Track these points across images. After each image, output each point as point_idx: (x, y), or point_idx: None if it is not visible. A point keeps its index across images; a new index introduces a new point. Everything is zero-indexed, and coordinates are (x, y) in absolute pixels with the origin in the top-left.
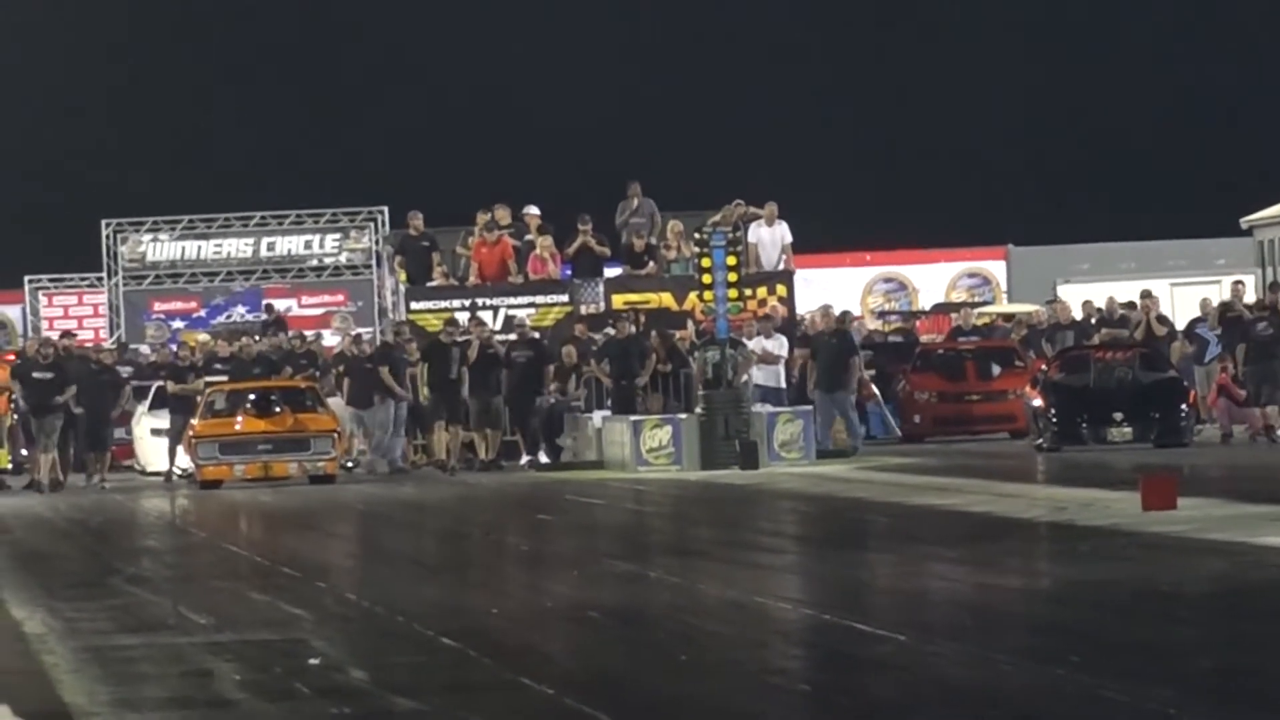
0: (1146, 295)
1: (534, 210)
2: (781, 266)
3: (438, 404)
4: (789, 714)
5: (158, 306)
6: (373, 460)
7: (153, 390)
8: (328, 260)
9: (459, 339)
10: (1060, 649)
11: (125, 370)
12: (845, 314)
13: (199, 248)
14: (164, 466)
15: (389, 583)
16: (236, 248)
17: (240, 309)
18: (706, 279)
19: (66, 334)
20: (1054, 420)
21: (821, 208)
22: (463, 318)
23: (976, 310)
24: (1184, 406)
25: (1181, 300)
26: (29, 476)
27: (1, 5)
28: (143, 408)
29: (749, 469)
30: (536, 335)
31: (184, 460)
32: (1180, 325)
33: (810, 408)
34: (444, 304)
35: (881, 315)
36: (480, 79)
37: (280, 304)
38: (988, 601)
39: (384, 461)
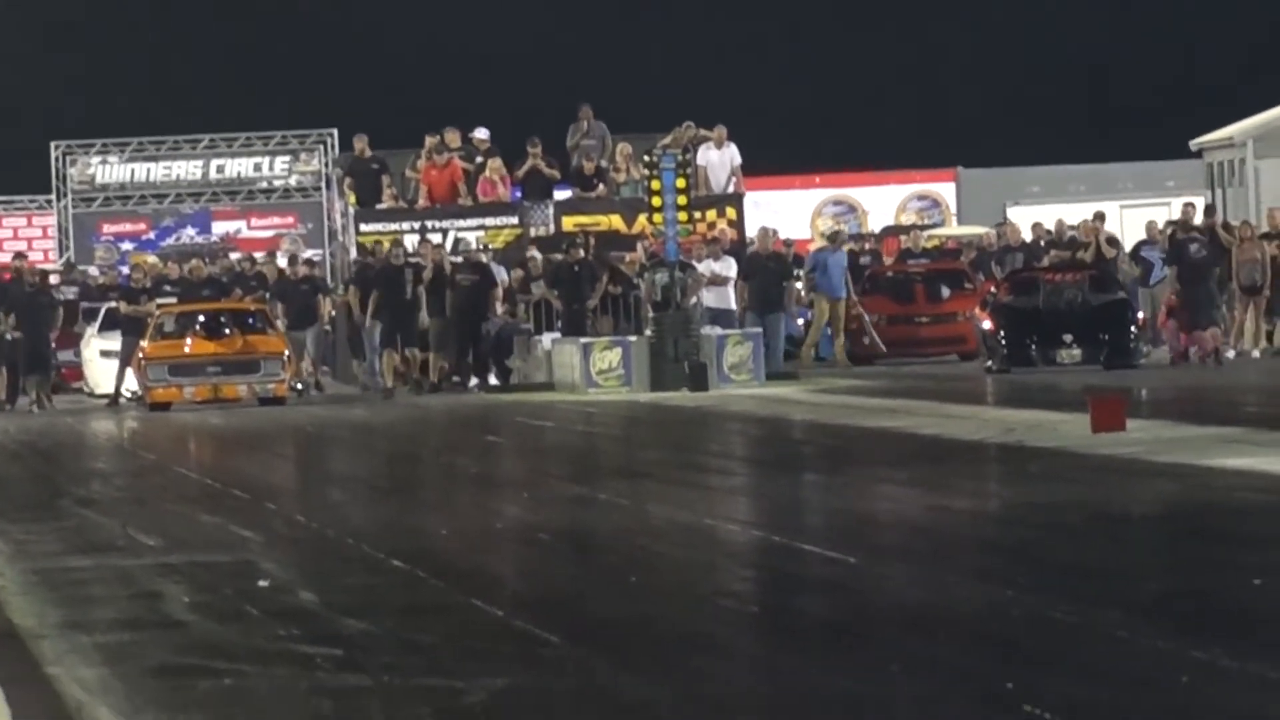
0: (1099, 217)
1: (482, 133)
2: (731, 189)
3: (391, 328)
4: (739, 635)
5: (107, 228)
6: (370, 380)
7: (102, 312)
8: (277, 183)
9: (410, 260)
10: (1009, 570)
11: (72, 291)
12: (837, 233)
13: (148, 170)
14: (113, 389)
15: (339, 505)
16: (186, 170)
17: (189, 231)
18: (656, 201)
19: (19, 255)
20: (1003, 342)
21: (771, 130)
22: (412, 240)
23: (926, 233)
24: (1133, 328)
25: (1131, 222)
26: None
27: None
28: (92, 330)
29: (698, 391)
30: (483, 259)
31: (133, 382)
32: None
33: (759, 330)
34: (394, 226)
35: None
36: (430, 1)
37: (230, 226)
38: (937, 523)
39: (376, 379)
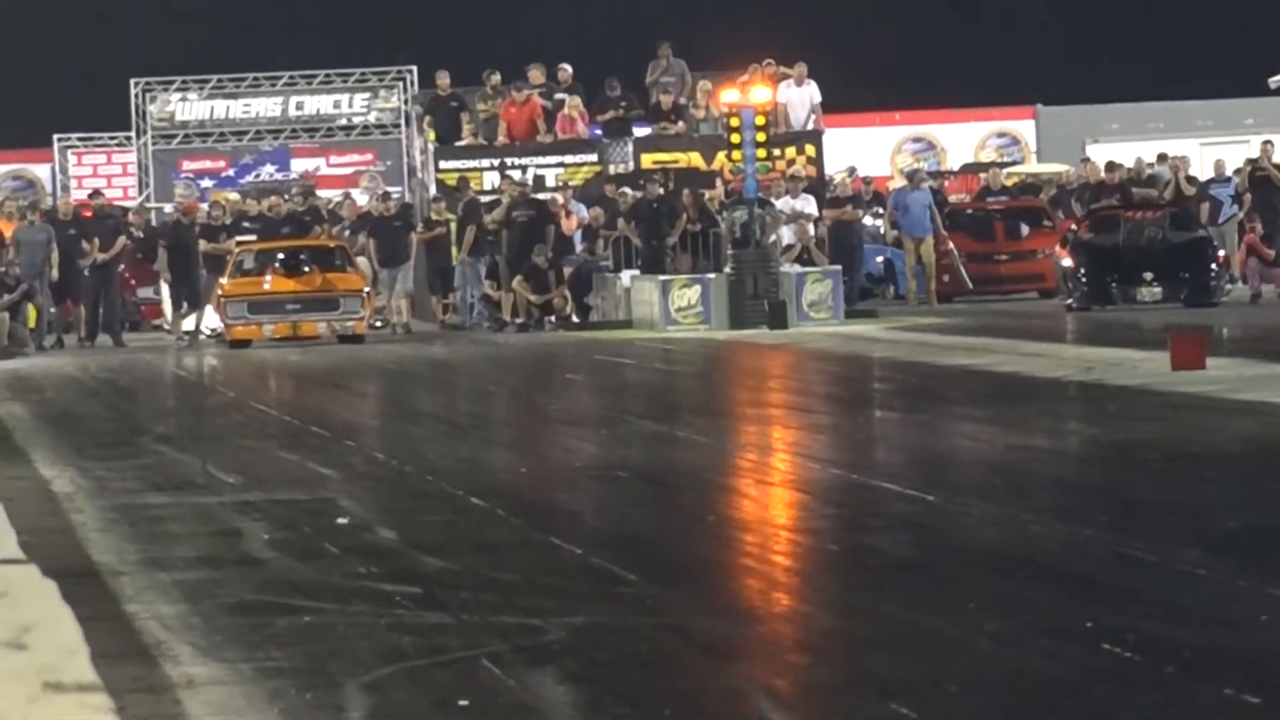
0: (1163, 158)
1: (566, 67)
2: (810, 126)
3: (515, 264)
4: (817, 573)
5: (186, 165)
6: (477, 318)
7: None
8: (356, 120)
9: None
10: (1088, 509)
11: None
12: (915, 172)
13: (227, 107)
14: (192, 325)
15: (417, 442)
16: (265, 107)
17: (269, 168)
18: (735, 139)
19: (95, 193)
20: (1083, 280)
21: (851, 67)
22: (492, 177)
23: (1005, 170)
24: (1214, 266)
25: (1210, 160)
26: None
27: None
28: None
29: (777, 328)
30: (539, 196)
31: (213, 319)
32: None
33: (839, 268)
34: (473, 163)
35: (910, 175)
36: None
37: (309, 163)
38: (1016, 461)
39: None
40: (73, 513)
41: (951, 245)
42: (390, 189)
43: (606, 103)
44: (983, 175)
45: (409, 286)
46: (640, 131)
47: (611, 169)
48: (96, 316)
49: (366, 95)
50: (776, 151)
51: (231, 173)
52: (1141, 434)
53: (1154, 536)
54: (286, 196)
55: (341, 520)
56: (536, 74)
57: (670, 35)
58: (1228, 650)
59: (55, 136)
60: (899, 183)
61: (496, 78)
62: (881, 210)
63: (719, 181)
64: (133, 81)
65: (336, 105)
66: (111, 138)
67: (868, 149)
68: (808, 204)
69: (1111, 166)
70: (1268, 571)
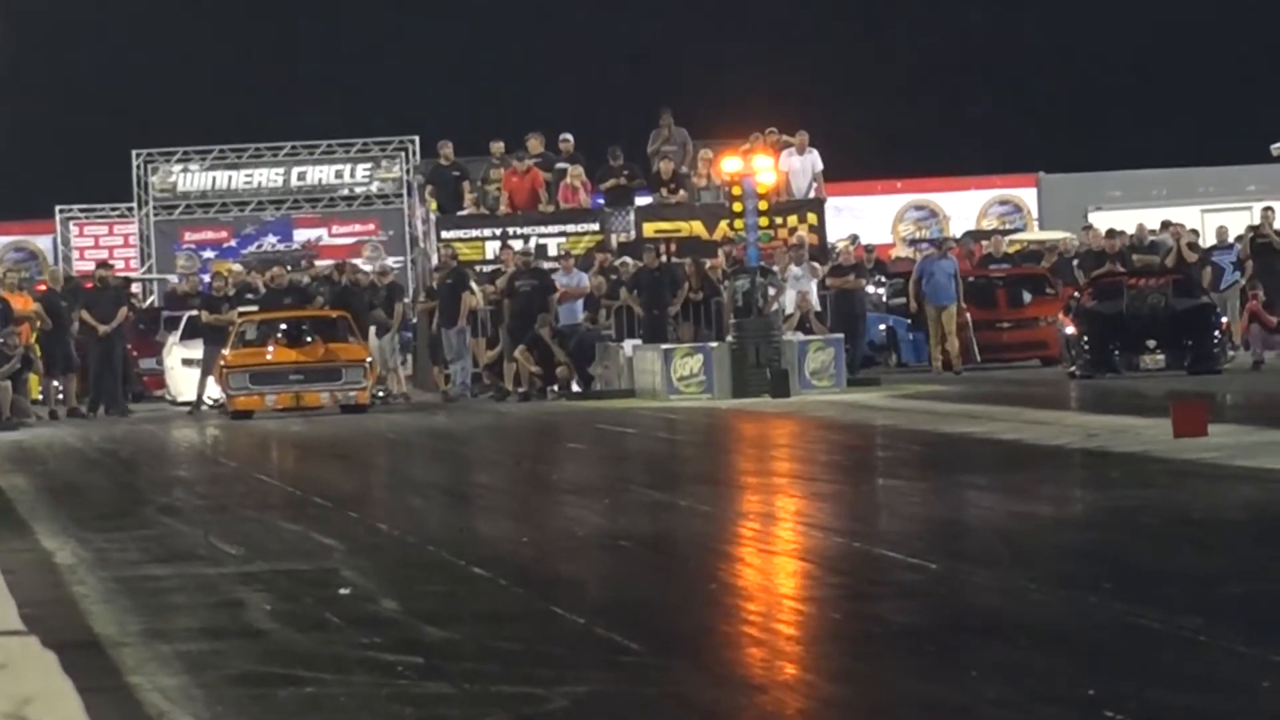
0: (1166, 225)
1: (568, 137)
2: (812, 194)
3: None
4: (820, 642)
5: (188, 236)
6: (460, 388)
7: (184, 320)
8: (358, 190)
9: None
10: (1091, 576)
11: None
12: (944, 240)
13: (229, 178)
14: (194, 396)
15: (420, 512)
16: (267, 177)
17: (271, 238)
18: (737, 207)
19: (102, 264)
20: (1086, 347)
21: (852, 136)
22: (493, 247)
23: (1007, 238)
24: (1217, 333)
25: (1213, 226)
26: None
27: None
28: (174, 338)
29: (780, 397)
30: (542, 265)
31: (215, 390)
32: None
33: (841, 336)
34: (475, 233)
35: (913, 243)
36: (512, 5)
37: (311, 233)
38: (1019, 529)
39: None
40: (74, 584)
41: (969, 316)
42: (392, 259)
43: (608, 172)
44: (985, 243)
45: (396, 357)
46: (642, 200)
47: (614, 238)
48: (100, 387)
49: (369, 165)
50: (779, 219)
51: (234, 243)
52: (1144, 501)
53: (1157, 603)
54: (288, 268)
55: (344, 591)
56: (535, 143)
57: (672, 103)
58: (1229, 717)
59: (57, 208)
60: (901, 251)
61: (500, 146)
62: (884, 279)
63: (721, 250)
64: (134, 152)
65: (339, 175)
66: (113, 209)
67: (870, 217)
68: (809, 272)
69: (1111, 234)
70: (1270, 638)
